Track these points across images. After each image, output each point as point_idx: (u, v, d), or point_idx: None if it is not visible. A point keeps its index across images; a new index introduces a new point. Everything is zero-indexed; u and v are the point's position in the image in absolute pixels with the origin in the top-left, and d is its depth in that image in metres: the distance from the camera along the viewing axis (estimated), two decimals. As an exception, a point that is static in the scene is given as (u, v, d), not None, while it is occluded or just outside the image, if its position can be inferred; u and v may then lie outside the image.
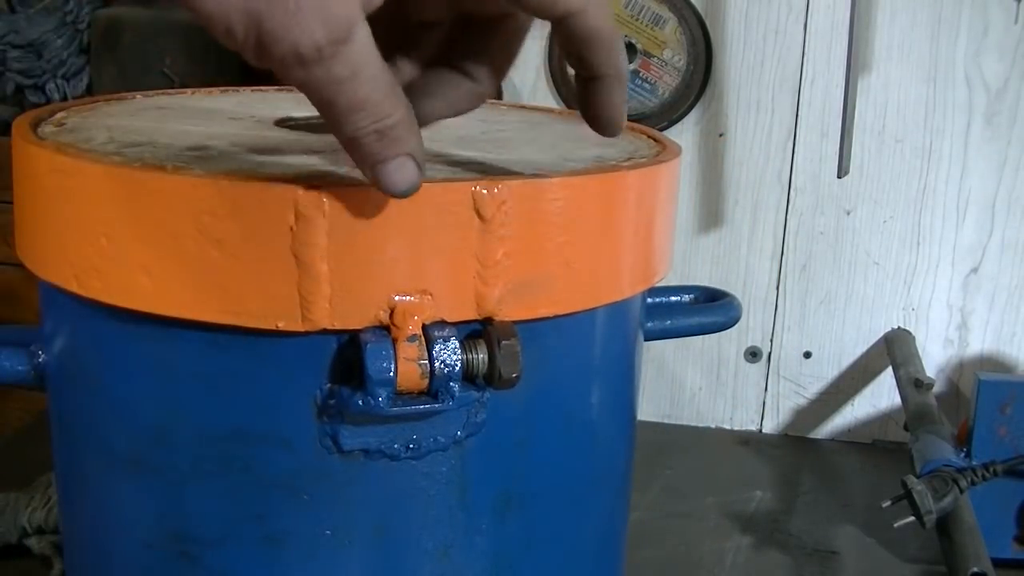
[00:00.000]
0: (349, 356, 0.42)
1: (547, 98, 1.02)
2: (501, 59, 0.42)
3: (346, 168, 0.44)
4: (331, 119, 0.36)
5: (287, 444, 0.43)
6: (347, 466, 0.44)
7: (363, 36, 0.34)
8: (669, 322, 0.61)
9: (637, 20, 0.98)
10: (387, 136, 0.36)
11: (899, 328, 1.00)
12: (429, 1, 0.41)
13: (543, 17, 0.38)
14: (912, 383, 0.89)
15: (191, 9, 0.34)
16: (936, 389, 0.93)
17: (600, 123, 0.41)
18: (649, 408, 1.05)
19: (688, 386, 1.05)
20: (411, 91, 0.42)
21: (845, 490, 0.93)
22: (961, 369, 1.00)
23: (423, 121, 0.42)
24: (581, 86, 0.40)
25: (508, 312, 0.43)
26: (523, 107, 0.70)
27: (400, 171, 0.37)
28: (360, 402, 0.41)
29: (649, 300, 0.59)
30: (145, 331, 0.43)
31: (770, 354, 1.03)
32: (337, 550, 0.45)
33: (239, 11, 0.33)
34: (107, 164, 0.42)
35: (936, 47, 0.94)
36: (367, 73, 0.35)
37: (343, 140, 0.37)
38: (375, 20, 0.36)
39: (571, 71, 0.40)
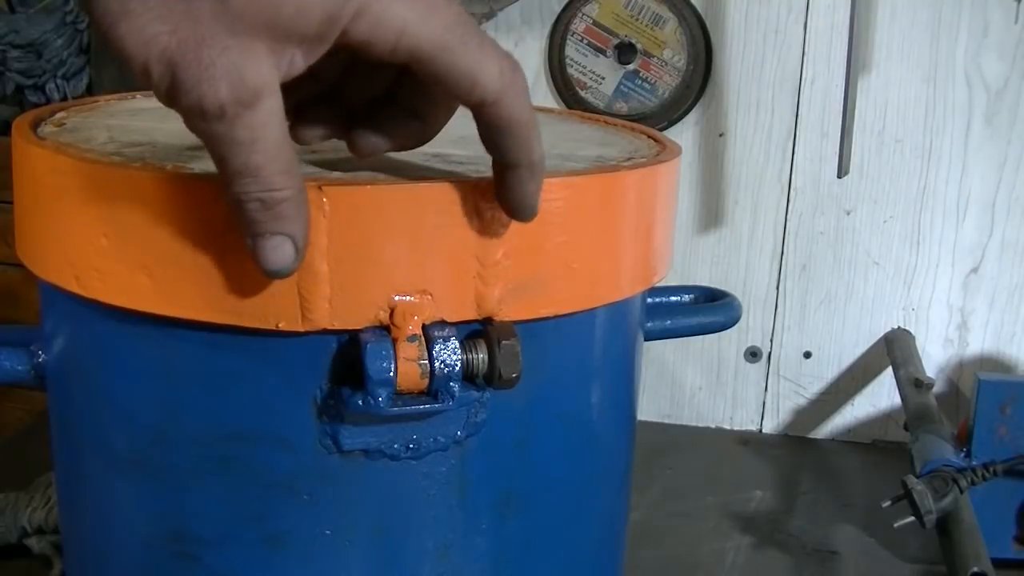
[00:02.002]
0: (349, 356, 0.42)
1: (547, 98, 1.02)
2: (449, 105, 0.42)
3: (346, 168, 0.44)
4: (222, 176, 0.36)
5: (287, 444, 0.43)
6: (347, 466, 0.44)
7: (270, 105, 0.35)
8: (669, 322, 0.61)
9: (637, 20, 0.98)
10: (271, 209, 0.37)
11: (899, 328, 1.00)
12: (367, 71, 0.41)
13: (461, 103, 0.38)
14: (912, 383, 0.89)
15: (112, 46, 0.35)
16: (936, 389, 0.93)
17: (511, 209, 0.41)
18: (649, 408, 1.05)
19: (688, 386, 1.05)
20: (359, 123, 0.42)
21: (845, 490, 0.93)
22: (961, 369, 1.00)
23: (366, 153, 0.42)
24: (496, 171, 0.40)
25: (508, 312, 0.43)
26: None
27: (276, 250, 0.38)
28: (360, 402, 0.41)
29: (649, 300, 0.59)
30: (145, 331, 0.43)
31: (770, 354, 1.03)
32: (337, 550, 0.45)
33: (157, 56, 0.34)
34: (107, 164, 0.42)
35: (936, 47, 0.94)
36: (266, 141, 0.35)
37: (229, 200, 0.37)
38: (315, 67, 0.36)
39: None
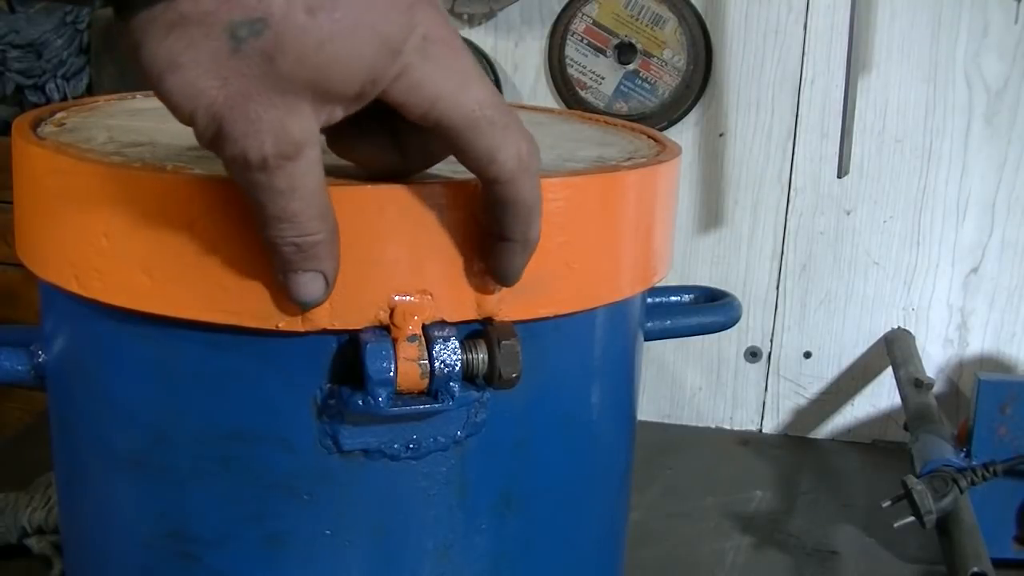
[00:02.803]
0: (349, 356, 0.42)
1: (547, 98, 1.02)
2: (435, 159, 0.42)
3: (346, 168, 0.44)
4: (258, 220, 0.37)
5: (287, 444, 0.43)
6: (347, 466, 0.44)
7: (310, 157, 0.36)
8: (669, 322, 0.61)
9: (637, 20, 0.98)
10: (305, 252, 0.38)
11: (899, 328, 1.00)
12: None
13: (475, 175, 0.39)
14: (912, 383, 0.89)
15: (159, 95, 0.35)
16: (936, 389, 0.93)
17: (497, 276, 0.42)
18: (649, 408, 1.05)
19: (688, 386, 1.05)
20: (343, 129, 0.41)
21: (845, 490, 0.93)
22: (961, 369, 1.00)
23: (337, 155, 0.42)
24: (490, 240, 0.41)
25: (508, 312, 0.43)
26: (523, 107, 0.70)
27: (309, 285, 0.39)
28: (360, 402, 0.41)
29: (649, 300, 0.59)
30: (145, 331, 0.43)
31: (770, 354, 1.03)
32: (337, 550, 0.45)
33: (204, 109, 0.35)
34: (107, 164, 0.42)
35: (936, 47, 0.94)
36: (304, 191, 0.36)
37: (264, 241, 0.38)
38: None
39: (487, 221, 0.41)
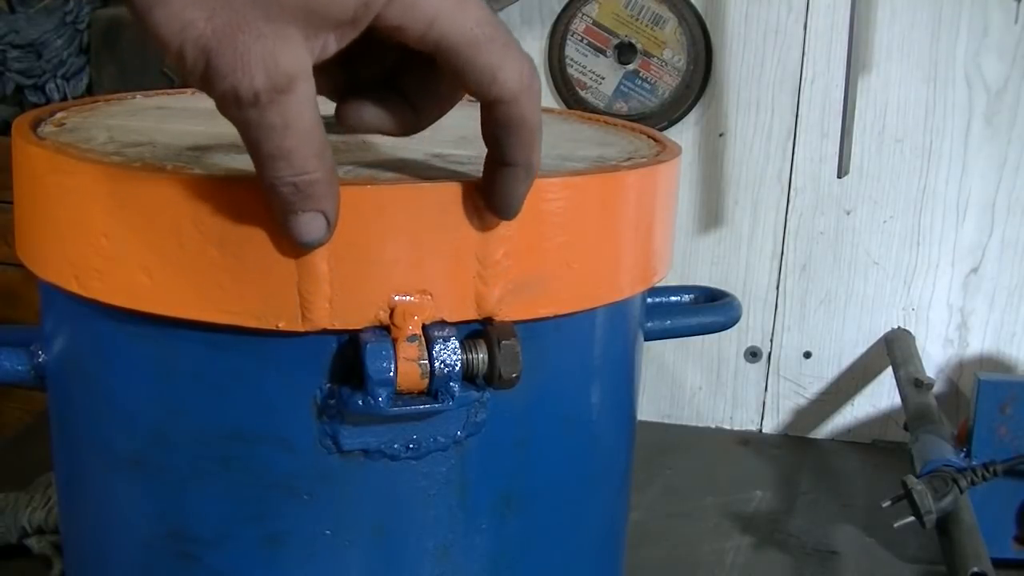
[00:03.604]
0: (349, 356, 0.42)
1: (547, 98, 1.01)
2: (446, 103, 0.42)
3: (346, 168, 0.44)
4: (255, 161, 0.37)
5: (287, 444, 0.43)
6: (347, 466, 0.44)
7: (303, 90, 0.35)
8: (669, 322, 0.61)
9: (637, 20, 0.98)
10: (303, 191, 0.37)
11: (899, 328, 1.00)
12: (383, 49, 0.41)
13: (475, 96, 0.38)
14: (912, 383, 0.89)
15: (147, 30, 0.35)
16: (936, 389, 0.93)
17: (496, 206, 0.41)
18: (649, 408, 1.05)
19: (688, 386, 1.05)
20: (354, 97, 0.42)
21: (845, 490, 0.93)
22: (961, 369, 1.00)
23: (351, 125, 0.42)
24: (489, 167, 0.40)
25: (508, 312, 0.43)
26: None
27: (309, 224, 0.38)
28: (360, 402, 0.41)
29: (649, 300, 0.59)
30: (145, 331, 0.43)
31: (770, 354, 1.03)
32: (337, 550, 0.45)
33: (192, 42, 0.34)
34: (107, 164, 0.42)
35: (936, 47, 0.94)
36: (298, 126, 0.36)
37: (262, 184, 0.37)
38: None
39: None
